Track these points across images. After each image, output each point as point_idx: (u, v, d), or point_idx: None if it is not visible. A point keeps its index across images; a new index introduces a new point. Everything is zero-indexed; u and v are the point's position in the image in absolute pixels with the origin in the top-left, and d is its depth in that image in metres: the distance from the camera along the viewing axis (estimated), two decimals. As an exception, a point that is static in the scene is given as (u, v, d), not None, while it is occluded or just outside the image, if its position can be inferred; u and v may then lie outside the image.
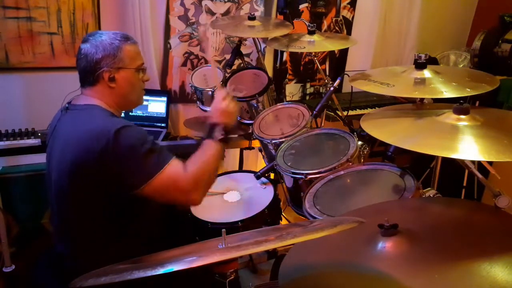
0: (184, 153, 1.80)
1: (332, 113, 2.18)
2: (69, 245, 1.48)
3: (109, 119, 1.41)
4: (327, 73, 3.25)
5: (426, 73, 1.41)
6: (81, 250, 1.44)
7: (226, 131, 1.50)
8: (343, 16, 3.17)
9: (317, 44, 2.12)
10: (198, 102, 2.28)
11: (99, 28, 2.51)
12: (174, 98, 2.81)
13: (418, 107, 1.41)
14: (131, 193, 1.35)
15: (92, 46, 1.42)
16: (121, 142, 1.32)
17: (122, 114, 2.60)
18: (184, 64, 2.79)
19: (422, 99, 1.46)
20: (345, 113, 2.31)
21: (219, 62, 2.86)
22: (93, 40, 1.43)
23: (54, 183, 1.44)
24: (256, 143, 2.40)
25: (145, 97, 2.60)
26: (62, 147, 1.41)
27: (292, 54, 3.10)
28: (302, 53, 3.10)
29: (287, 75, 3.13)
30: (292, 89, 3.20)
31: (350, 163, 1.59)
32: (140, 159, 1.35)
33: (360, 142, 1.66)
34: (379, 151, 1.80)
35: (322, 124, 2.14)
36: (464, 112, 1.14)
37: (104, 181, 1.34)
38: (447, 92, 1.30)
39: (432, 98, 1.44)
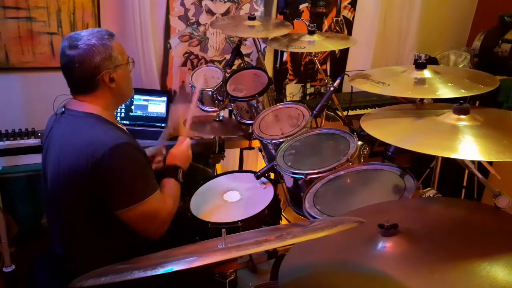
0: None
1: (332, 113, 2.18)
2: (65, 246, 1.48)
3: (108, 131, 1.39)
4: (328, 73, 3.25)
5: (426, 73, 1.41)
6: (77, 252, 1.45)
7: (183, 175, 1.63)
8: (343, 16, 3.17)
9: (317, 44, 2.12)
10: (198, 102, 2.28)
11: (99, 28, 2.51)
12: (174, 98, 2.81)
13: (418, 107, 1.41)
14: (113, 213, 1.35)
15: (85, 52, 1.36)
16: (115, 159, 1.32)
17: (122, 115, 2.62)
18: (184, 64, 2.79)
19: (422, 99, 1.46)
20: (345, 113, 2.31)
21: (219, 62, 2.86)
22: (83, 45, 1.37)
23: (49, 187, 1.43)
24: (256, 143, 2.40)
25: (145, 97, 2.64)
26: (58, 153, 1.40)
27: (292, 54, 3.10)
28: (302, 53, 3.10)
29: (288, 75, 3.13)
30: (292, 89, 3.19)
31: (350, 163, 1.58)
32: (130, 181, 1.35)
33: (360, 142, 1.66)
34: (379, 151, 1.80)
35: (322, 124, 2.13)
36: (464, 112, 1.14)
37: (94, 192, 1.34)
38: (449, 93, 1.30)
39: (432, 98, 1.44)
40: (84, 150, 1.32)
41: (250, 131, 2.16)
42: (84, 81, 1.41)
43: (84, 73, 1.39)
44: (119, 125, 1.54)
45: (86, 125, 1.40)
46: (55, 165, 1.39)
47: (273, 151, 1.84)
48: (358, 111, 2.86)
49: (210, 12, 2.74)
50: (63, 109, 1.46)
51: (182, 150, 1.69)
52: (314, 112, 1.89)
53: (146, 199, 1.36)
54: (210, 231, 1.68)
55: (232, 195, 1.87)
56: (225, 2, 2.76)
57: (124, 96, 1.55)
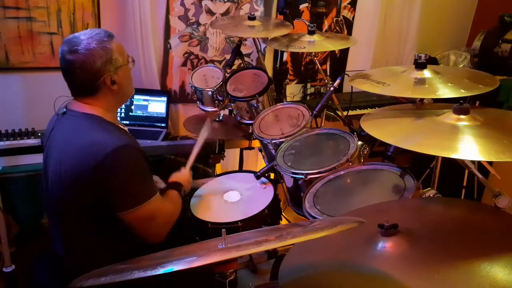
0: (185, 153, 1.81)
1: (332, 113, 2.18)
2: (65, 246, 1.48)
3: (110, 133, 1.39)
4: (328, 73, 3.25)
5: (426, 73, 1.41)
6: (77, 252, 1.44)
7: (184, 193, 1.70)
8: (343, 16, 3.17)
9: (317, 44, 2.12)
10: (198, 102, 2.28)
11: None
12: (174, 98, 2.81)
13: (418, 107, 1.41)
14: (115, 214, 1.36)
15: (86, 57, 1.35)
16: (116, 161, 1.32)
17: (122, 115, 2.62)
18: (184, 64, 2.79)
19: (422, 99, 1.46)
20: (345, 113, 2.31)
21: (219, 62, 2.86)
22: (83, 49, 1.35)
23: (50, 187, 1.43)
24: (256, 143, 2.40)
25: (145, 97, 2.64)
26: (59, 154, 1.40)
27: (292, 54, 3.10)
28: (303, 53, 3.10)
29: (288, 76, 3.13)
30: (293, 89, 3.19)
31: (350, 163, 1.58)
32: (131, 183, 1.35)
33: (360, 142, 1.66)
34: (379, 151, 1.80)
35: (322, 124, 2.13)
36: (464, 112, 1.14)
37: (96, 194, 1.34)
38: (449, 93, 1.30)
39: (432, 98, 1.44)
40: (86, 151, 1.32)
41: (250, 131, 2.16)
42: (86, 85, 1.41)
43: (85, 78, 1.39)
44: (120, 126, 1.54)
45: (88, 126, 1.40)
46: (57, 165, 1.39)
47: (273, 151, 1.84)
48: (358, 111, 2.86)
49: (210, 12, 2.74)
50: (64, 110, 1.46)
51: (184, 174, 1.76)
52: (314, 112, 1.90)
53: (147, 201, 1.37)
54: (210, 231, 1.68)
55: (232, 195, 1.87)
56: (225, 2, 2.76)
57: (126, 96, 1.55)
